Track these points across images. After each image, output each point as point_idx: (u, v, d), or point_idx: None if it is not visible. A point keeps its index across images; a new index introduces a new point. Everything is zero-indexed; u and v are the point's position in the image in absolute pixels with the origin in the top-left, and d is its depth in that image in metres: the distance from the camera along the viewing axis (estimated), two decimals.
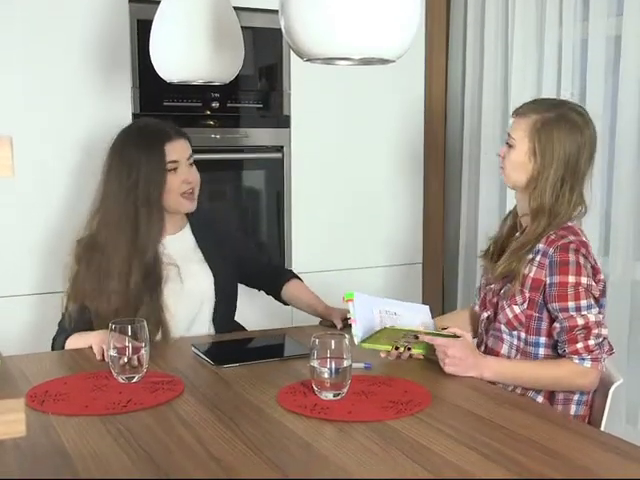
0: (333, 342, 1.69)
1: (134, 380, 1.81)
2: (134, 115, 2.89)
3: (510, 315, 1.98)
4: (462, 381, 1.87)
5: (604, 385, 1.97)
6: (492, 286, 2.07)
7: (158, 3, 2.34)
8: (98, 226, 2.14)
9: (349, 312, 1.96)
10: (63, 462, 1.38)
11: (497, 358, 1.98)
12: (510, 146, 2.01)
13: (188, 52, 2.28)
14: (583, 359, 1.86)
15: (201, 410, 1.65)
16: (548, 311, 1.93)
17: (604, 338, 1.89)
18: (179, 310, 2.17)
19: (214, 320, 2.26)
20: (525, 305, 1.95)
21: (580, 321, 1.87)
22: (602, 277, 1.95)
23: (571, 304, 1.88)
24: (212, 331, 2.26)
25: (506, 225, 2.14)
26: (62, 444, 1.46)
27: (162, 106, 2.94)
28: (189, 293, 2.20)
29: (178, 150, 2.14)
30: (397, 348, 1.93)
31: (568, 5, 2.97)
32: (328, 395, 1.69)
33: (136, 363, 1.80)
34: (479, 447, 1.45)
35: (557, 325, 1.90)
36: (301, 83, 3.15)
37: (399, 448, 1.45)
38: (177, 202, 2.17)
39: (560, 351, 1.91)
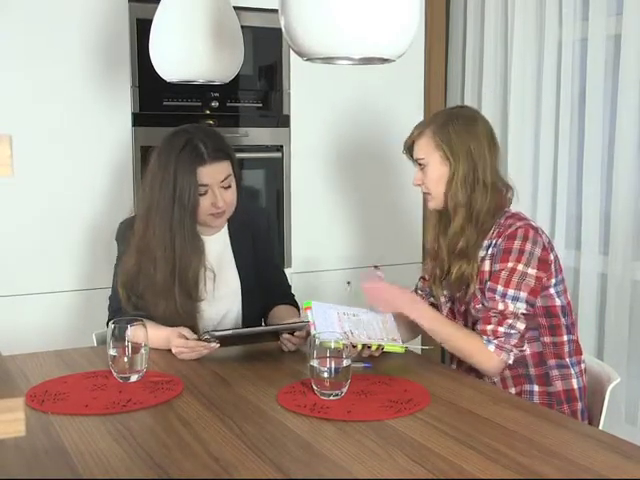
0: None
1: (134, 380, 1.81)
2: (133, 114, 2.89)
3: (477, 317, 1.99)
4: (461, 381, 1.87)
5: (601, 384, 1.97)
6: (458, 295, 2.07)
7: (158, 2, 2.34)
8: (145, 229, 2.13)
9: (307, 318, 1.97)
10: (63, 461, 1.38)
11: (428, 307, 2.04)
12: (422, 167, 2.04)
13: (188, 51, 2.28)
14: (489, 341, 1.89)
15: (201, 410, 1.65)
16: None
17: (517, 332, 1.90)
18: (209, 311, 2.19)
19: (243, 322, 2.28)
20: None
21: (500, 306, 1.90)
22: (552, 257, 1.97)
23: (499, 288, 1.92)
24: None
25: (444, 245, 2.10)
26: (62, 443, 1.46)
27: (162, 105, 2.94)
28: (219, 296, 2.21)
29: (210, 175, 2.09)
30: (354, 346, 1.93)
31: (568, 4, 2.97)
32: (328, 395, 1.69)
33: (136, 362, 1.80)
34: (478, 446, 1.45)
35: (484, 303, 1.94)
36: (301, 82, 3.15)
37: (398, 447, 1.45)
38: (205, 220, 2.15)
39: (477, 327, 1.94)
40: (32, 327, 2.77)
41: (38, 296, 2.81)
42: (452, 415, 1.63)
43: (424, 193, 2.09)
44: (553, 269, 1.97)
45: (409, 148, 2.09)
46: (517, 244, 1.92)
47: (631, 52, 2.75)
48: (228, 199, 2.15)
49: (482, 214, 1.99)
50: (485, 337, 1.90)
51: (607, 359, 2.79)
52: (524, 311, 1.91)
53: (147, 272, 2.12)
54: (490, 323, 1.90)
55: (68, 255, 2.85)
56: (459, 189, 1.99)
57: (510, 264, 1.91)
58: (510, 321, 1.89)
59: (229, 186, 2.14)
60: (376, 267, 2.09)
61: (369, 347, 1.96)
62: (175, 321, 2.10)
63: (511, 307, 1.90)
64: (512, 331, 1.89)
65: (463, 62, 3.53)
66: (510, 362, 1.92)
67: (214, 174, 2.10)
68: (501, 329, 1.89)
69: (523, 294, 1.90)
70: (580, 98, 3.00)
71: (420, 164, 2.05)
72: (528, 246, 1.92)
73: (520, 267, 1.91)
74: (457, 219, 2.01)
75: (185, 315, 2.13)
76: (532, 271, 1.91)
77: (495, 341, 1.89)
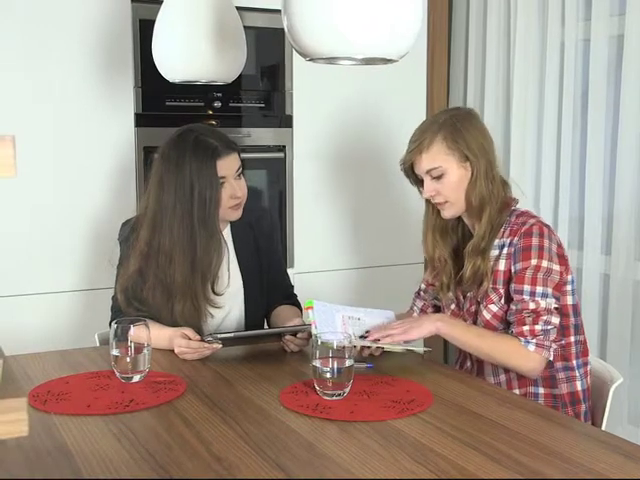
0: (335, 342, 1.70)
1: (136, 380, 1.81)
2: (136, 115, 2.89)
3: (488, 316, 1.97)
4: (464, 381, 1.87)
5: (604, 384, 1.97)
6: (468, 294, 2.05)
7: (161, 3, 2.34)
8: (152, 234, 2.12)
9: (309, 317, 1.96)
10: (65, 462, 1.39)
11: (452, 317, 2.01)
12: (438, 177, 1.98)
13: (190, 52, 2.29)
14: (528, 342, 1.87)
15: (203, 410, 1.65)
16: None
17: (554, 327, 1.89)
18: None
19: (246, 323, 2.28)
20: (502, 301, 1.96)
21: (531, 305, 1.88)
22: (565, 254, 1.97)
23: (526, 287, 1.90)
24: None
25: (446, 254, 2.09)
26: (64, 444, 1.46)
27: (164, 106, 2.94)
28: (222, 296, 2.20)
29: (226, 166, 2.12)
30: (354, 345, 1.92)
31: (570, 5, 2.97)
32: (330, 395, 1.69)
33: (139, 363, 1.80)
34: (481, 447, 1.45)
35: (512, 307, 1.92)
36: (303, 83, 3.15)
37: (401, 448, 1.45)
38: (224, 214, 2.16)
39: (510, 332, 1.92)
40: (35, 327, 2.77)
41: (41, 296, 2.81)
42: (455, 416, 1.63)
43: (438, 203, 2.02)
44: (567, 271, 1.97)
45: (411, 165, 2.04)
46: (535, 241, 1.91)
47: (634, 52, 2.75)
48: (244, 188, 2.19)
49: (498, 209, 1.98)
50: (523, 338, 1.87)
51: (610, 359, 2.79)
52: (555, 305, 1.90)
53: (158, 276, 2.12)
54: (525, 324, 1.88)
55: (71, 255, 2.85)
56: (483, 186, 1.96)
57: (533, 261, 1.90)
58: (545, 317, 1.87)
59: (240, 177, 2.19)
60: None
61: (369, 346, 1.96)
62: (194, 319, 2.12)
63: (542, 304, 1.88)
64: (549, 327, 1.88)
65: (466, 63, 3.53)
66: (551, 359, 1.90)
67: (230, 165, 2.14)
68: (538, 327, 1.87)
69: (550, 290, 1.89)
70: (583, 99, 3.00)
71: (432, 175, 1.99)
72: (546, 242, 1.92)
73: (544, 264, 1.90)
74: (484, 217, 1.97)
75: (206, 311, 2.15)
76: (555, 266, 1.91)
77: (534, 340, 1.87)
